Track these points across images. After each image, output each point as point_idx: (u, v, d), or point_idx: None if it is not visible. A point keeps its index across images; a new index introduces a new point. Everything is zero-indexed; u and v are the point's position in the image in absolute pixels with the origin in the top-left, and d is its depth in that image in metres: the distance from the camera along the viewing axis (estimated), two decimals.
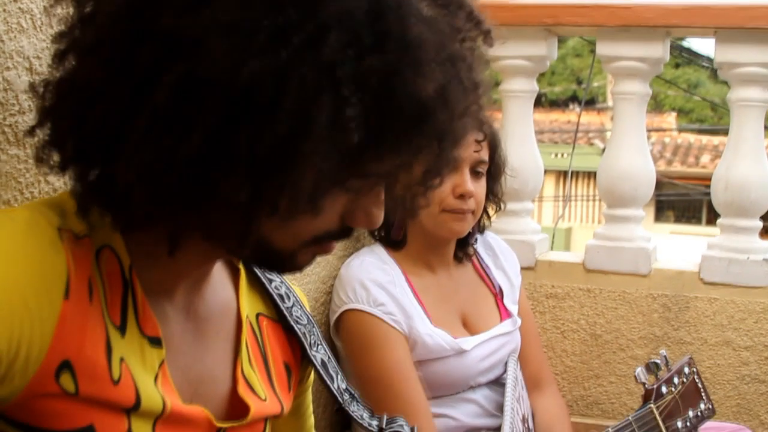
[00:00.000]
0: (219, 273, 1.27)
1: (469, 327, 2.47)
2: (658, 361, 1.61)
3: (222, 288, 1.27)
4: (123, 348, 1.07)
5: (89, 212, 1.05)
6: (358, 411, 1.42)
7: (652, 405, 1.55)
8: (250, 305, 1.31)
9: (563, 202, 11.23)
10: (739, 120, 3.11)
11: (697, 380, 1.64)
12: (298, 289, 1.41)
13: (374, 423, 1.41)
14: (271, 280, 1.36)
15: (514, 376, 2.46)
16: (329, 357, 1.40)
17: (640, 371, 1.59)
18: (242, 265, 1.32)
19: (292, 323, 1.35)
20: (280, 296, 1.35)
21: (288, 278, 1.39)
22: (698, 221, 19.65)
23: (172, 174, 0.96)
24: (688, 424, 1.59)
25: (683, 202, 20.07)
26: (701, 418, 1.62)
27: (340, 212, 1.08)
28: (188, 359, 1.18)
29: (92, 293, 1.03)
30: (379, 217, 1.11)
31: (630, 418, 1.50)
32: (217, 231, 1.05)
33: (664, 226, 18.83)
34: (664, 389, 1.58)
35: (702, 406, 1.64)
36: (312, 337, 1.38)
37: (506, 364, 2.49)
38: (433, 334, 2.34)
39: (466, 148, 2.33)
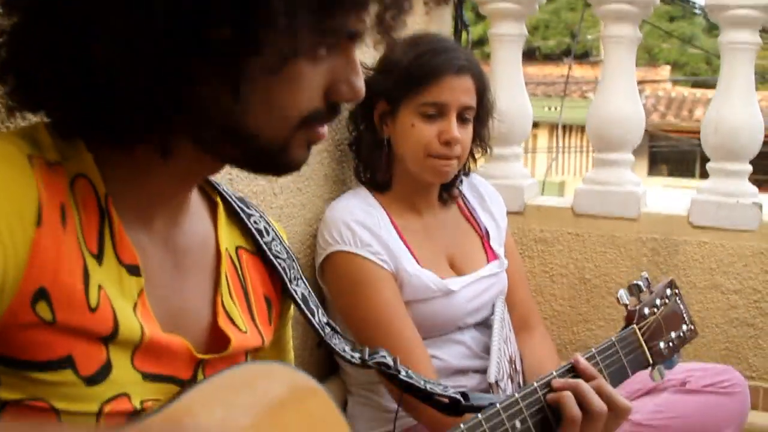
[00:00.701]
0: (197, 206, 1.26)
1: (456, 268, 2.47)
2: (640, 283, 1.60)
3: (200, 221, 1.26)
4: (101, 276, 1.06)
5: (66, 135, 1.04)
6: (339, 344, 1.41)
7: (635, 326, 1.54)
8: (229, 238, 1.29)
9: (555, 153, 11.25)
10: (730, 63, 3.09)
11: (678, 302, 1.64)
12: (277, 225, 1.40)
13: (356, 355, 1.41)
14: (250, 215, 1.34)
15: (501, 318, 2.46)
16: (309, 291, 1.39)
17: (622, 293, 1.58)
18: (220, 198, 1.30)
19: (271, 257, 1.34)
20: (259, 231, 1.34)
21: (271, 219, 1.38)
22: (691, 174, 19.65)
23: (152, 35, 0.97)
24: (670, 344, 1.59)
25: (676, 155, 20.08)
26: (684, 340, 1.63)
27: (321, 87, 1.08)
28: (167, 291, 1.17)
29: (66, 220, 1.02)
30: (360, 85, 1.11)
31: (613, 338, 1.49)
32: (205, 125, 1.06)
33: (657, 179, 18.84)
34: (646, 311, 1.58)
35: (684, 327, 1.64)
36: (292, 271, 1.37)
37: (493, 305, 2.49)
38: (420, 274, 2.33)
39: (453, 94, 2.32)
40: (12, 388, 1.02)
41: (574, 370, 1.43)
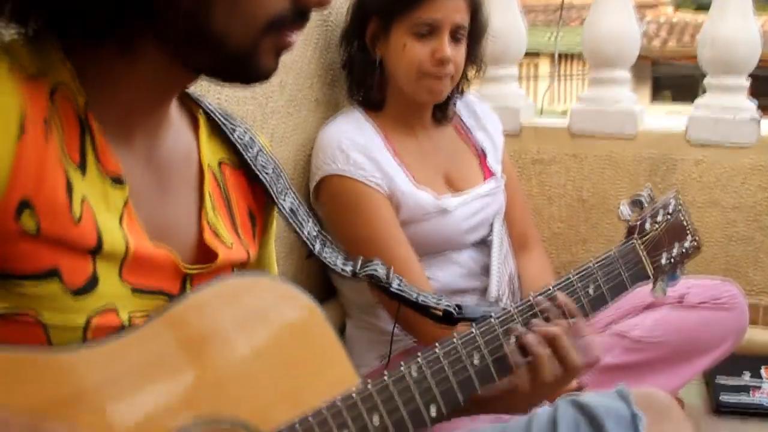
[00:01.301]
0: (178, 122, 1.24)
1: (453, 187, 2.45)
2: (642, 198, 1.57)
3: (182, 137, 1.25)
4: (84, 188, 1.06)
5: (40, 42, 1.03)
6: (331, 256, 1.39)
7: (635, 239, 1.52)
8: (211, 154, 1.28)
9: (552, 81, 11.17)
10: None
11: (682, 216, 1.61)
12: (263, 138, 1.38)
13: (348, 268, 1.39)
14: (233, 129, 1.33)
15: (499, 236, 2.45)
16: (299, 204, 1.38)
17: (623, 207, 1.55)
18: (202, 113, 1.29)
19: (256, 171, 1.32)
20: (243, 144, 1.32)
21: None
22: (694, 100, 19.50)
23: None
24: (673, 259, 1.57)
25: (679, 81, 19.91)
26: (686, 254, 1.60)
27: None
28: (151, 207, 1.16)
29: (48, 133, 1.01)
30: None
31: (613, 250, 1.47)
32: (168, 25, 1.05)
33: (660, 106, 18.72)
34: (647, 224, 1.55)
35: (687, 242, 1.61)
36: (278, 185, 1.36)
37: (492, 224, 2.48)
38: (416, 194, 2.32)
39: (446, 12, 2.29)
40: None
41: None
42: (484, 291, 2.39)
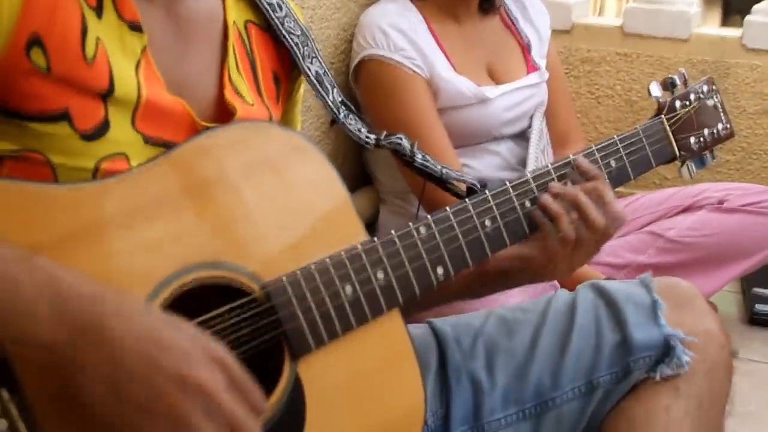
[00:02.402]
0: None
1: (494, 77, 2.41)
2: (676, 78, 1.52)
3: None
4: (99, 29, 1.06)
5: None
6: (355, 125, 1.37)
7: (662, 117, 1.47)
8: (237, 12, 1.26)
9: None
10: None
11: (716, 100, 1.56)
12: (295, 5, 1.35)
13: (372, 137, 1.37)
14: None
15: (539, 130, 2.41)
16: (325, 71, 1.35)
17: (654, 85, 1.50)
18: None
19: (284, 33, 1.30)
20: (271, 5, 1.30)
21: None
22: None
23: None
24: (702, 140, 1.52)
25: (751, 4, 19.39)
26: (717, 138, 1.55)
27: None
28: (171, 59, 1.15)
29: None
30: None
31: (638, 127, 1.43)
32: None
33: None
34: (678, 104, 1.50)
35: (720, 126, 1.56)
36: (306, 48, 1.33)
37: (531, 117, 2.44)
38: (456, 81, 2.28)
39: None
40: (10, 138, 1.04)
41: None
42: None
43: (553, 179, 1.31)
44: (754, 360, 2.49)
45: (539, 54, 2.53)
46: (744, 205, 2.41)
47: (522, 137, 2.43)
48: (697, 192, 2.50)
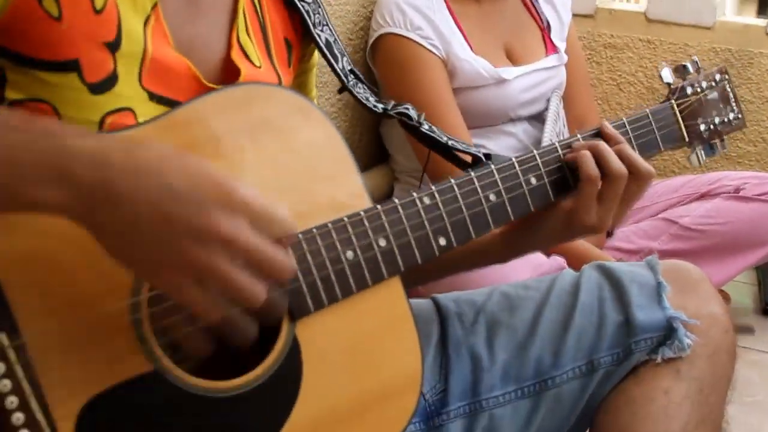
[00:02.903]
0: None
1: (513, 58, 2.40)
2: (688, 65, 1.51)
3: None
4: None
5: None
6: (363, 93, 1.37)
7: (672, 101, 1.46)
8: None
9: None
10: None
11: (728, 88, 1.55)
12: None
13: (380, 105, 1.37)
14: None
15: (555, 112, 2.41)
16: (336, 39, 1.35)
17: (666, 71, 1.49)
18: None
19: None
20: None
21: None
22: None
23: None
24: (712, 127, 1.51)
25: None
26: (728, 126, 1.53)
27: None
28: (180, 19, 1.16)
29: None
30: None
31: (647, 109, 1.42)
32: None
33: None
34: (689, 90, 1.49)
35: (731, 114, 1.55)
36: (317, 16, 1.33)
37: (548, 100, 2.43)
38: (473, 61, 2.28)
39: None
40: (18, 86, 1.05)
41: (600, 135, 1.36)
42: None
43: (559, 156, 1.30)
44: (765, 351, 2.47)
45: (559, 36, 2.51)
46: (760, 195, 2.39)
47: (538, 119, 2.43)
48: (713, 180, 2.49)
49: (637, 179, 1.30)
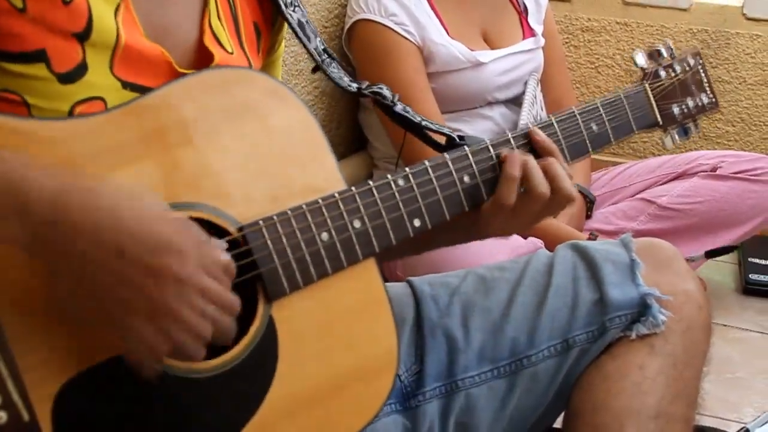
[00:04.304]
0: None
1: (489, 42, 2.41)
2: (662, 49, 1.52)
3: None
4: None
5: None
6: (337, 73, 1.37)
7: (645, 84, 1.48)
8: None
9: None
10: None
11: (701, 72, 1.56)
12: None
13: (354, 84, 1.37)
14: None
15: (532, 95, 2.42)
16: (308, 20, 1.35)
17: (639, 55, 1.50)
18: None
19: None
20: None
21: None
22: None
23: None
24: (685, 110, 1.52)
25: None
26: (701, 109, 1.55)
27: None
28: (151, 5, 1.15)
29: None
30: None
31: (620, 92, 1.43)
32: None
33: None
34: (662, 73, 1.50)
35: (704, 97, 1.56)
36: None
37: (526, 83, 2.44)
38: (449, 45, 2.29)
39: None
40: None
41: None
42: None
43: (527, 143, 1.31)
44: (745, 329, 2.49)
45: (536, 20, 2.53)
46: (737, 173, 2.41)
47: (515, 103, 2.44)
48: (690, 159, 2.50)
49: (557, 201, 1.28)
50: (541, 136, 1.31)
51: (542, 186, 1.25)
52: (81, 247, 0.90)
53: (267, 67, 1.36)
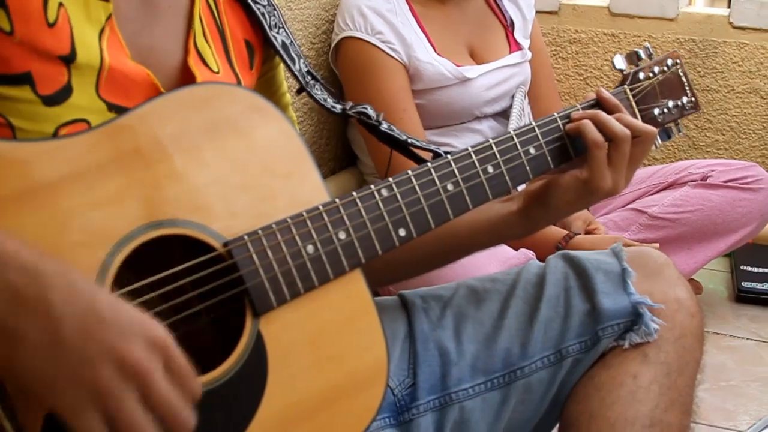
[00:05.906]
0: None
1: (476, 57, 2.42)
2: (641, 52, 1.52)
3: None
4: None
5: None
6: (321, 94, 1.37)
7: (625, 86, 1.48)
8: None
9: None
10: None
11: (681, 74, 1.56)
12: None
13: (338, 106, 1.38)
14: None
15: (520, 107, 2.42)
16: (292, 41, 1.36)
17: (618, 58, 1.50)
18: None
19: (249, 1, 1.30)
20: None
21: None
22: None
23: None
24: (665, 111, 1.52)
25: None
26: (682, 110, 1.54)
27: None
28: (136, 28, 1.15)
29: None
30: None
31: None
32: None
33: None
34: (641, 75, 1.50)
35: (684, 99, 1.56)
36: (272, 18, 1.33)
37: (513, 96, 2.44)
38: (435, 62, 2.29)
39: None
40: None
41: (598, 104, 1.38)
42: None
43: (515, 144, 1.31)
44: (739, 336, 2.49)
45: (522, 34, 2.53)
46: (727, 181, 2.41)
47: (504, 116, 2.44)
48: (680, 168, 2.51)
49: (641, 140, 1.35)
50: (606, 94, 1.39)
51: (620, 127, 1.32)
52: (54, 312, 0.88)
53: (267, 73, 1.37)
